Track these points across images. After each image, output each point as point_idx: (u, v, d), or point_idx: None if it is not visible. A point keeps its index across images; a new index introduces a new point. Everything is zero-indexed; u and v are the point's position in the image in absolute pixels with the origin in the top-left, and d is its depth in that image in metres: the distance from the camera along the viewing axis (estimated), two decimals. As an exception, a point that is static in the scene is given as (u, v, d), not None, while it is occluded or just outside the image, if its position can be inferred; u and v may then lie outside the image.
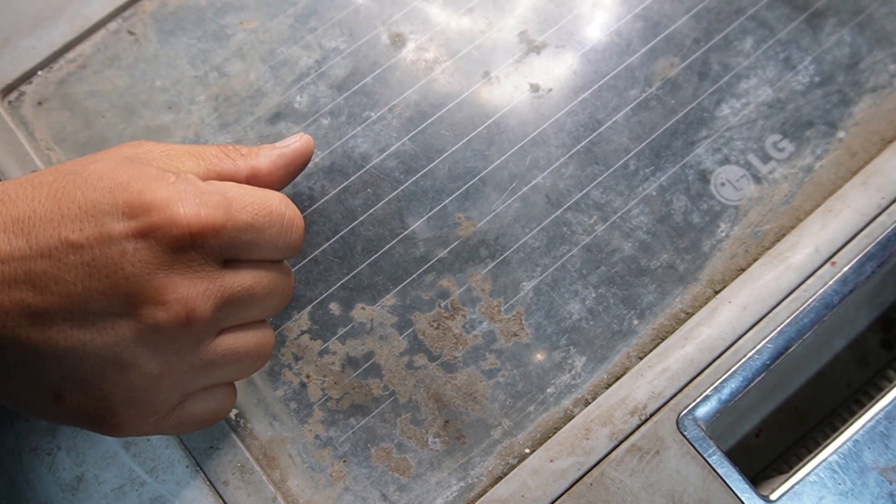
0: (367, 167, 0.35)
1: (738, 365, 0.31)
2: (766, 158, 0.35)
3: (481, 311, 0.33)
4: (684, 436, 0.30)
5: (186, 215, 0.23)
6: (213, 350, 0.25)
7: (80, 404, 0.24)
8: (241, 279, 0.25)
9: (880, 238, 0.32)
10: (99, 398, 0.24)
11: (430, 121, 0.36)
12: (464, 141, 0.35)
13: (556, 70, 0.37)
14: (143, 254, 0.23)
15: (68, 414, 0.24)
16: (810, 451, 0.31)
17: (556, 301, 0.33)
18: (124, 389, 0.24)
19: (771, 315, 0.32)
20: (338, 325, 0.33)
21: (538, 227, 0.34)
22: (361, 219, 0.34)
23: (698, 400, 0.30)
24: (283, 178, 0.30)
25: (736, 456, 0.33)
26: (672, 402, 0.31)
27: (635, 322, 0.33)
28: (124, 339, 0.23)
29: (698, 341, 0.31)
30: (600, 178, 0.35)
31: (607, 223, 0.34)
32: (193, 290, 0.24)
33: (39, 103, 0.36)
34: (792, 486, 0.29)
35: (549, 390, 0.32)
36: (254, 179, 0.28)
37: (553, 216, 0.34)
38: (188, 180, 0.25)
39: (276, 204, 0.26)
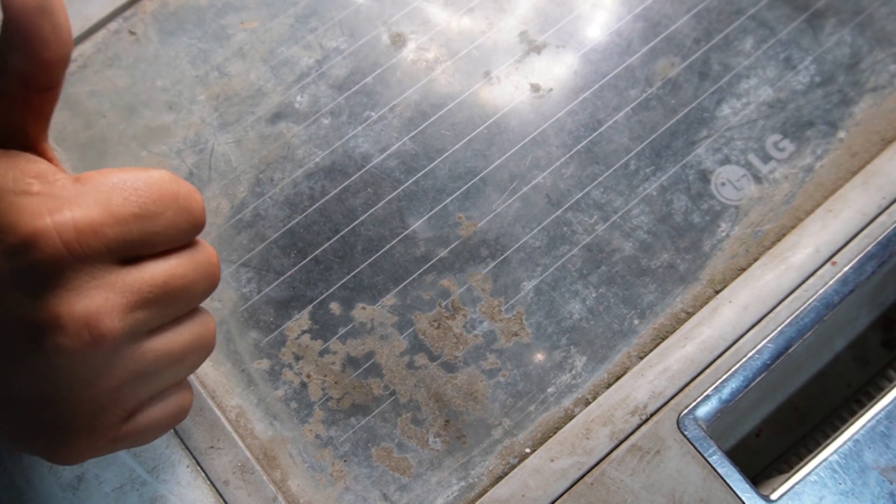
0: (368, 167, 0.35)
1: (738, 365, 0.31)
2: (766, 158, 0.35)
3: (482, 310, 0.33)
4: (685, 436, 0.30)
5: (55, 224, 0.20)
6: (143, 358, 0.23)
7: (25, 445, 0.23)
8: (150, 275, 0.23)
9: (881, 238, 0.32)
10: (37, 436, 0.23)
11: (430, 121, 0.36)
12: (464, 141, 0.35)
13: (557, 70, 0.37)
14: (23, 279, 0.20)
15: (25, 451, 0.23)
16: (811, 451, 0.30)
17: (556, 301, 0.33)
18: (60, 423, 0.22)
19: (771, 315, 0.32)
20: (338, 325, 0.33)
21: (538, 227, 0.34)
22: (362, 218, 0.34)
23: (699, 400, 0.30)
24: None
25: (736, 456, 0.33)
26: (673, 401, 0.30)
27: (636, 322, 0.33)
28: (39, 375, 0.21)
29: (699, 341, 0.31)
30: (601, 178, 0.35)
31: (608, 223, 0.34)
32: (91, 303, 0.21)
33: (40, 103, 0.36)
34: (792, 486, 0.29)
35: (549, 390, 0.32)
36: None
37: (553, 216, 0.34)
38: (53, 183, 0.21)
39: (165, 184, 0.23)
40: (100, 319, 0.21)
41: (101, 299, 0.21)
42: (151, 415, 0.25)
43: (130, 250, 0.22)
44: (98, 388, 0.22)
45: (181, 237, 0.24)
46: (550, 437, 0.31)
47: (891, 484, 0.29)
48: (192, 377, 0.32)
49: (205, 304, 0.33)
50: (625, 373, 0.32)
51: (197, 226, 0.24)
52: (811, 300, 0.32)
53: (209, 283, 0.25)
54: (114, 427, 0.24)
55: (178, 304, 0.24)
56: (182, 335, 0.24)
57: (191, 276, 0.24)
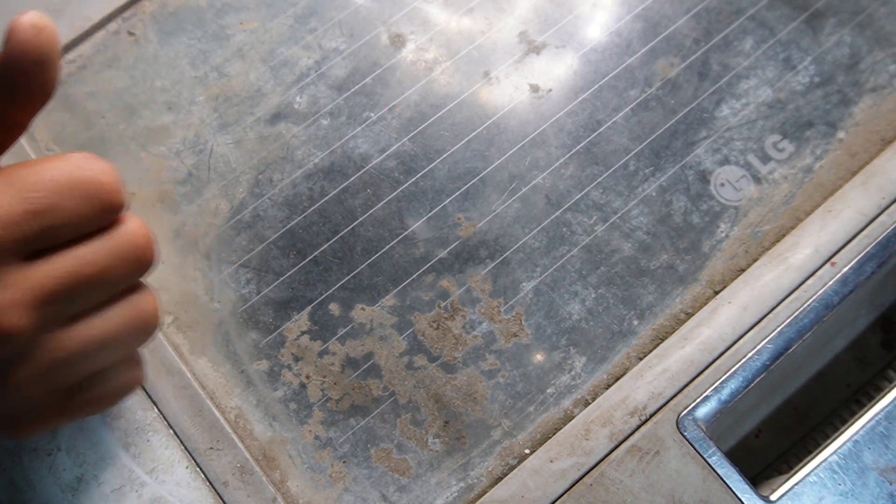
0: (367, 168, 0.35)
1: (738, 365, 0.31)
2: (765, 159, 0.35)
3: (481, 311, 0.33)
4: (684, 436, 0.30)
5: None
6: (65, 346, 0.23)
7: None
8: (55, 269, 0.22)
9: (880, 238, 0.32)
10: None
11: (429, 121, 0.36)
12: (464, 141, 0.35)
13: (556, 70, 0.37)
14: None
15: None
16: (810, 452, 0.31)
17: (556, 301, 0.33)
18: None
19: (771, 315, 0.32)
20: (338, 326, 0.33)
21: (538, 228, 0.34)
22: (361, 219, 0.34)
23: (698, 400, 0.30)
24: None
25: (736, 456, 0.33)
26: (672, 402, 0.30)
27: (635, 322, 0.33)
28: None
29: (698, 342, 0.31)
30: (600, 179, 0.35)
31: (607, 224, 0.34)
32: None
33: (39, 104, 0.36)
34: (792, 487, 0.29)
35: (548, 391, 0.32)
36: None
37: (553, 216, 0.34)
38: None
39: (63, 174, 0.22)
40: (3, 319, 0.21)
41: (5, 298, 0.21)
42: (97, 389, 0.25)
43: (32, 245, 0.22)
44: (18, 376, 0.22)
45: (89, 224, 0.23)
46: (550, 437, 0.31)
47: (890, 484, 0.29)
48: (189, 377, 0.32)
49: (203, 305, 0.33)
50: (624, 373, 0.32)
51: (106, 209, 0.23)
52: (810, 301, 0.32)
53: (133, 266, 0.24)
54: (56, 404, 0.24)
55: (95, 291, 0.23)
56: (110, 319, 0.24)
57: (104, 261, 0.23)
